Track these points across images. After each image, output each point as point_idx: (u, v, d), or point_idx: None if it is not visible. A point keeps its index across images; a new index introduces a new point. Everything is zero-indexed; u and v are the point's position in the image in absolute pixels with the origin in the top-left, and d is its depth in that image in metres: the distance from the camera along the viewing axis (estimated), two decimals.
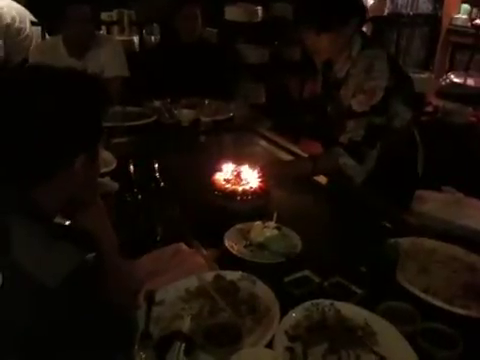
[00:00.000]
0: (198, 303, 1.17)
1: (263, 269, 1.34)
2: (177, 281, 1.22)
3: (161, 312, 1.13)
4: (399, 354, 1.06)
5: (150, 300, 1.11)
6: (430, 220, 1.60)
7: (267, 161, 1.84)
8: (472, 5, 5.12)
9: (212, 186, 1.71)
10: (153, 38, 3.96)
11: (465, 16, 5.13)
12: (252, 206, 1.63)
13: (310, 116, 2.42)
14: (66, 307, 0.86)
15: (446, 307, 1.19)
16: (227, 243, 1.44)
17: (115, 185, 1.48)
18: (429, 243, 1.45)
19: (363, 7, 1.86)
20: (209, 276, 1.25)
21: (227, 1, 4.29)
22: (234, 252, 1.41)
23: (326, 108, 1.97)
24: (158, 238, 1.40)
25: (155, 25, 3.96)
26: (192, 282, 1.23)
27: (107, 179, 1.53)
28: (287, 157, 2.20)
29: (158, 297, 1.15)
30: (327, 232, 1.59)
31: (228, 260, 1.39)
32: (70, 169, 0.94)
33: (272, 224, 1.48)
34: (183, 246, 1.36)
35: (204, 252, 1.39)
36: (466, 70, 3.84)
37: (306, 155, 2.11)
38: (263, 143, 2.48)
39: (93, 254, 0.92)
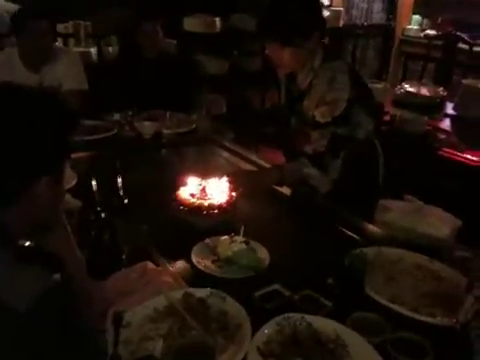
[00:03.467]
0: (167, 323, 1.14)
1: (232, 284, 1.34)
2: (145, 301, 1.20)
3: (129, 334, 1.10)
4: None
5: (118, 322, 1.08)
6: (393, 229, 1.63)
7: (231, 172, 1.83)
8: (423, 16, 5.31)
9: (177, 201, 1.68)
10: (111, 49, 3.91)
11: (417, 26, 5.32)
12: (219, 220, 1.62)
13: (271, 127, 2.43)
14: (37, 330, 0.83)
15: (413, 316, 1.21)
16: (194, 259, 1.42)
17: (77, 203, 1.44)
18: (394, 252, 1.48)
19: (324, 20, 1.89)
20: (177, 294, 1.23)
21: (185, 12, 4.28)
22: (202, 268, 1.39)
23: (289, 119, 1.99)
24: (124, 257, 1.37)
25: (113, 37, 3.91)
26: (160, 301, 1.20)
27: (68, 197, 1.49)
28: (250, 168, 2.20)
29: (126, 319, 1.12)
30: (294, 244, 1.60)
31: (196, 277, 1.37)
32: (33, 192, 0.90)
33: (240, 238, 1.47)
34: (150, 264, 1.33)
35: (171, 270, 1.37)
36: (419, 79, 3.97)
37: (268, 165, 2.12)
38: (226, 154, 2.48)
39: (59, 275, 0.89)
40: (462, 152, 2.74)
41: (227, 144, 2.56)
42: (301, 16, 1.75)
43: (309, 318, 1.18)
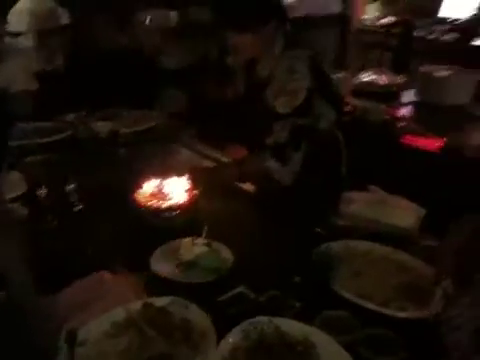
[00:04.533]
0: (126, 337, 1.07)
1: (195, 289, 1.27)
2: (101, 315, 1.12)
3: (85, 353, 1.03)
4: None
5: (72, 340, 1.00)
6: (358, 221, 1.60)
7: (189, 170, 1.76)
8: (380, 4, 5.34)
9: (135, 203, 1.61)
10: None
11: (374, 15, 5.34)
12: (180, 221, 1.55)
13: (234, 120, 2.37)
14: None
15: (383, 311, 1.18)
16: (154, 266, 1.35)
17: (24, 211, 1.34)
18: (361, 245, 1.44)
19: (281, 7, 1.85)
20: (137, 305, 1.16)
21: (138, 7, 4.15)
22: (162, 275, 1.32)
23: (251, 110, 1.93)
24: (78, 267, 1.28)
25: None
26: (118, 314, 1.12)
27: (16, 205, 1.40)
28: (210, 165, 2.13)
29: (81, 336, 1.04)
30: (258, 243, 1.54)
31: (157, 284, 1.30)
32: None
33: (201, 240, 1.41)
34: (106, 274, 1.25)
35: (129, 278, 1.29)
36: (378, 68, 3.97)
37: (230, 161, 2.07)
38: (186, 152, 2.40)
39: (3, 293, 0.82)
40: (422, 139, 2.75)
41: (188, 141, 2.49)
42: (255, 1, 1.70)
43: (277, 320, 1.13)
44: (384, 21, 5.00)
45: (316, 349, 1.07)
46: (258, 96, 1.84)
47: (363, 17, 5.38)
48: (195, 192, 1.63)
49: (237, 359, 1.04)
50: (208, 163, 2.18)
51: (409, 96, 3.38)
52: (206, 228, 1.42)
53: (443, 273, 1.08)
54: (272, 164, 1.74)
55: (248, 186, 1.90)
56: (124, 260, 1.36)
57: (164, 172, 1.74)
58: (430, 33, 3.87)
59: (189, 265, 1.36)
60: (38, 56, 2.57)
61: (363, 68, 4.47)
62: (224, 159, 2.16)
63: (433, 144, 2.70)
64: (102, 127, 2.38)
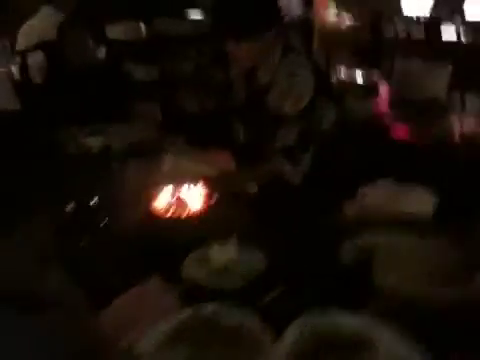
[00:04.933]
0: (182, 348, 1.04)
1: (234, 294, 1.25)
2: (150, 329, 1.08)
3: None
4: None
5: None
6: (376, 213, 1.61)
7: (204, 177, 1.74)
8: (339, 7, 5.45)
9: (150, 216, 1.57)
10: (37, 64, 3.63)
11: (336, 17, 5.43)
12: (202, 228, 1.53)
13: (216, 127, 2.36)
14: None
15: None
16: (187, 275, 1.32)
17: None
18: (388, 237, 1.45)
19: (280, 13, 1.86)
20: (184, 316, 1.13)
21: (106, 20, 4.10)
22: (197, 283, 1.30)
23: (249, 116, 1.93)
24: (115, 284, 1.24)
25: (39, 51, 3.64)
26: (168, 327, 1.09)
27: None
28: (208, 171, 2.10)
29: (136, 353, 1.01)
30: (286, 242, 1.52)
31: (193, 293, 1.27)
32: None
33: (230, 245, 1.39)
34: (144, 289, 1.21)
35: (166, 290, 1.26)
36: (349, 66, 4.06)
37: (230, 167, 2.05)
38: (179, 161, 2.37)
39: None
40: (405, 131, 2.83)
41: (176, 150, 2.46)
42: (256, 8, 1.70)
43: (328, 315, 1.12)
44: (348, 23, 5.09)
45: (373, 340, 1.07)
46: (260, 103, 1.85)
47: (326, 17, 5.47)
48: (212, 198, 1.60)
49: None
50: (204, 169, 2.15)
51: (384, 91, 3.48)
52: (234, 233, 1.40)
53: None
54: (284, 166, 1.77)
55: (253, 188, 1.89)
56: (155, 272, 1.32)
57: (175, 182, 1.71)
58: (400, 30, 3.99)
59: (221, 271, 1.34)
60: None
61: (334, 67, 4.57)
62: (220, 164, 2.13)
63: (417, 135, 2.78)
64: (93, 142, 2.32)
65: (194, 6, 4.50)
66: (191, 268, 1.36)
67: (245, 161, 1.82)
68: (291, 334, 1.08)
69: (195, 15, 4.50)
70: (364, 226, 1.58)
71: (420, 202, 1.62)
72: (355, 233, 1.50)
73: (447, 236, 1.46)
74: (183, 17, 4.47)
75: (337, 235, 1.50)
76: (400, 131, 2.86)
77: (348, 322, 1.10)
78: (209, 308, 1.16)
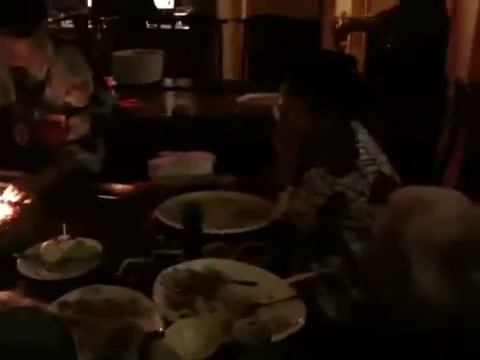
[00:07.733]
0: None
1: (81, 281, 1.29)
2: None
3: None
4: None
5: None
6: (170, 181, 1.83)
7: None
8: None
9: None
10: None
11: None
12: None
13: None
14: None
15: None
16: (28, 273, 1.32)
17: None
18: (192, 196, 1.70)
19: (44, 3, 1.87)
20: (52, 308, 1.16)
21: None
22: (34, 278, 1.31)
23: (31, 114, 1.88)
24: None
25: None
26: None
27: None
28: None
29: None
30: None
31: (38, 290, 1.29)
32: None
33: (64, 236, 1.41)
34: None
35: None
36: None
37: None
38: None
39: None
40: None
41: None
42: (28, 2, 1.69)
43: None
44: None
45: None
46: (37, 99, 1.83)
47: None
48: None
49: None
50: None
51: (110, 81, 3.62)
52: (64, 225, 1.41)
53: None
54: (83, 155, 1.83)
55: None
56: None
57: None
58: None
59: (61, 263, 1.36)
60: None
61: None
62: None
63: None
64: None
65: None
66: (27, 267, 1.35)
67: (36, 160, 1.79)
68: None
69: None
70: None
71: (201, 164, 1.91)
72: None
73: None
74: None
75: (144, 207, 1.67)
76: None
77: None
78: (73, 295, 1.21)
